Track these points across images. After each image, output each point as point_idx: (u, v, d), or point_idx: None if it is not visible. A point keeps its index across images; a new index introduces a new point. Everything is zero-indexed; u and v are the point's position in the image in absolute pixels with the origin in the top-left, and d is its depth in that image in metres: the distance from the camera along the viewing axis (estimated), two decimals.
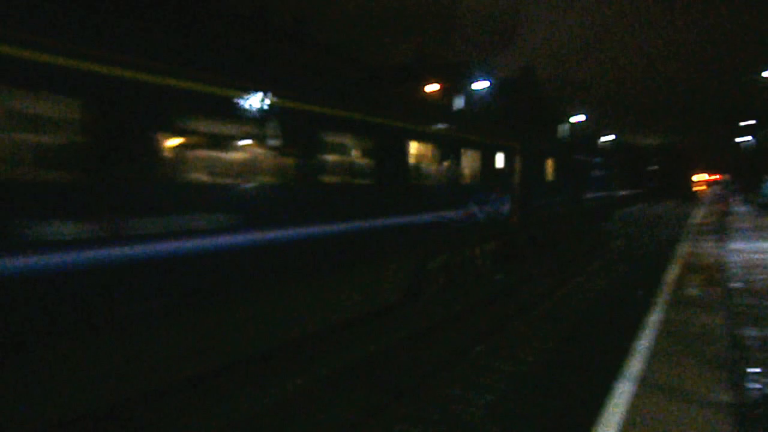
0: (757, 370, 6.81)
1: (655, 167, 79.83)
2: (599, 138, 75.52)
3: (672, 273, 12.95)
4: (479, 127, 14.42)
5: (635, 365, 6.75)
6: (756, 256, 15.93)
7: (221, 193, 6.91)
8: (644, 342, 7.68)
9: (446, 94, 44.07)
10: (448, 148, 12.31)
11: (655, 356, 7.09)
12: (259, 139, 7.59)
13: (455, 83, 43.43)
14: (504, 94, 53.13)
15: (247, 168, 7.46)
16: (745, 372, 6.71)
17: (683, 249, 17.29)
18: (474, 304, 12.20)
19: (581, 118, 64.43)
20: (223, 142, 7.34)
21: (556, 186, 20.10)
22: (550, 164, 19.37)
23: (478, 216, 13.65)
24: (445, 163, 12.26)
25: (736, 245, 18.10)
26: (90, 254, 5.39)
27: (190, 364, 6.72)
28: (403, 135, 10.69)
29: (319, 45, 40.99)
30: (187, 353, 6.68)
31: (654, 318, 8.96)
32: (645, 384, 6.15)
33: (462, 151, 12.87)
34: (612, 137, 77.88)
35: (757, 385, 6.33)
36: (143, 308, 5.92)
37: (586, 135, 69.18)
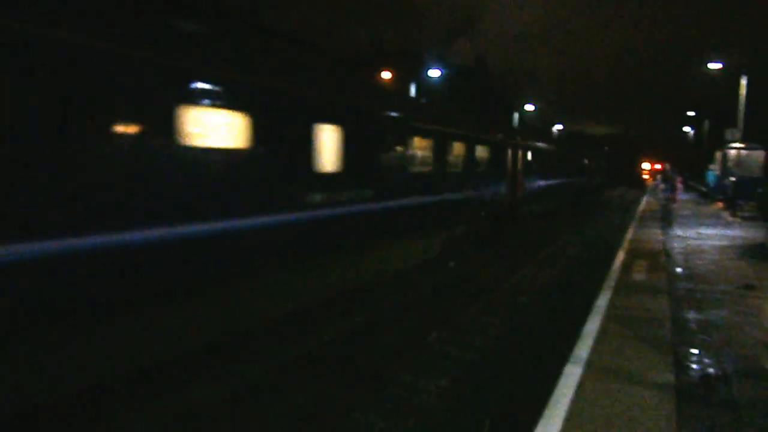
0: (698, 351, 7.08)
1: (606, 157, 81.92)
2: (552, 127, 76.91)
3: (619, 258, 13.32)
4: (491, 128, 18.99)
5: (583, 349, 6.93)
6: (697, 242, 16.53)
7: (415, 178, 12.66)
8: (592, 326, 7.89)
9: (400, 82, 44.04)
10: (475, 145, 16.55)
11: (602, 340, 7.29)
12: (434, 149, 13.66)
13: (409, 71, 43.41)
14: (456, 83, 53.44)
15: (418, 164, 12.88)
16: (686, 353, 6.97)
17: (629, 235, 17.79)
18: (428, 292, 12.30)
19: (530, 107, 65.46)
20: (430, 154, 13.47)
21: (535, 173, 24.48)
22: (528, 156, 23.20)
23: (487, 195, 17.76)
24: (471, 156, 16.27)
25: (679, 232, 18.74)
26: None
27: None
28: (463, 140, 15.64)
29: (274, 32, 40.34)
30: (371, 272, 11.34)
31: (601, 302, 9.21)
32: (592, 367, 6.32)
33: (481, 147, 17.17)
34: (560, 127, 79.43)
35: (698, 366, 6.58)
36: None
37: (541, 125, 70.33)
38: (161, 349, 6.63)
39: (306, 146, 8.80)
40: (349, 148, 9.82)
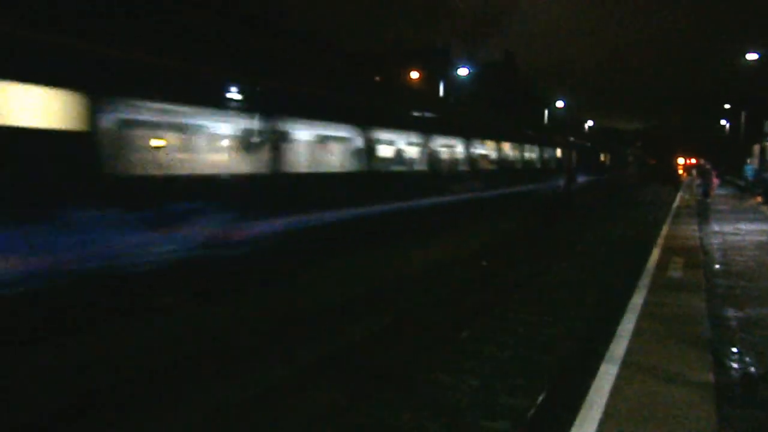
0: (738, 349, 6.90)
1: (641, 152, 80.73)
2: (584, 124, 75.96)
3: (654, 255, 13.07)
4: (555, 133, 23.92)
5: (619, 347, 6.80)
6: (735, 238, 16.14)
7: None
8: (627, 324, 7.75)
9: (427, 80, 43.95)
10: (547, 147, 20.51)
11: (638, 338, 7.16)
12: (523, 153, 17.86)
13: (437, 70, 43.28)
14: (485, 81, 53.11)
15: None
16: (726, 352, 6.80)
17: (665, 231, 17.45)
18: (458, 289, 12.23)
19: (560, 104, 64.75)
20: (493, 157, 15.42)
21: (581, 170, 27.69)
22: (576, 155, 26.08)
23: (552, 187, 21.31)
24: (543, 156, 19.83)
25: (716, 228, 18.32)
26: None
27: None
28: (539, 143, 19.60)
29: (295, 34, 40.60)
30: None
31: (636, 300, 9.04)
32: (628, 366, 6.20)
33: (550, 149, 21.13)
34: (591, 123, 78.36)
35: (738, 365, 6.41)
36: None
37: (574, 122, 69.51)
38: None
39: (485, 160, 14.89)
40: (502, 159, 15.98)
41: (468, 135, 13.30)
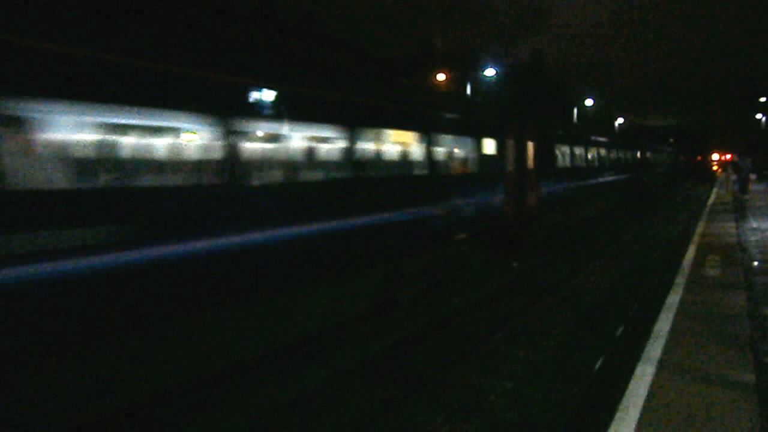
0: None
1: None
2: (615, 121, 74.89)
3: (690, 252, 12.83)
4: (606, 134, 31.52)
5: (655, 348, 6.69)
6: None
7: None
8: (663, 324, 7.62)
9: (455, 82, 43.82)
10: (618, 149, 29.45)
11: (675, 338, 7.03)
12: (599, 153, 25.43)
13: (464, 71, 43.11)
14: (513, 81, 52.75)
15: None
16: (767, 351, 6.63)
17: (700, 228, 17.11)
18: (491, 291, 12.15)
19: (589, 101, 63.98)
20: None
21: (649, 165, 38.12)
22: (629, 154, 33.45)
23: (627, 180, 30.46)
24: (593, 156, 24.45)
25: (754, 224, 17.89)
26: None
27: None
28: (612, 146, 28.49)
29: (327, 39, 40.88)
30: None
31: (673, 299, 8.88)
32: (666, 366, 6.10)
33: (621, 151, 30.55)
34: (621, 120, 77.19)
35: None
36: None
37: (604, 120, 68.67)
38: None
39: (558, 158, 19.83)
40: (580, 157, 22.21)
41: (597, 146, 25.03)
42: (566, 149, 20.37)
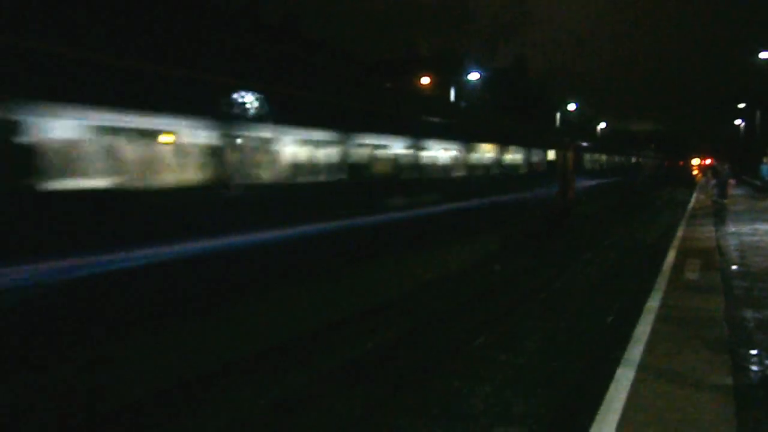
0: (757, 352, 6.80)
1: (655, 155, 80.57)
2: (596, 126, 75.54)
3: (670, 257, 12.94)
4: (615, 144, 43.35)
5: (635, 351, 6.73)
6: (753, 238, 15.95)
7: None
8: (643, 327, 7.67)
9: (438, 86, 43.94)
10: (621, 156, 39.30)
11: (654, 341, 7.08)
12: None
13: (448, 75, 43.26)
14: (496, 85, 53.02)
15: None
16: (745, 354, 6.70)
17: (680, 233, 17.29)
18: (471, 295, 12.16)
19: (572, 106, 64.50)
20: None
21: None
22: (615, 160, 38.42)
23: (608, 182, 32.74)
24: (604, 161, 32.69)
25: (733, 228, 18.11)
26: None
27: None
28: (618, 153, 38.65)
29: (310, 42, 40.81)
30: None
31: (652, 303, 8.94)
32: (645, 369, 6.13)
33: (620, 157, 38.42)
34: (603, 125, 77.90)
35: (758, 367, 6.32)
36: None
37: (586, 126, 69.28)
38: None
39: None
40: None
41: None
42: (587, 156, 28.44)
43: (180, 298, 6.40)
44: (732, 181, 23.52)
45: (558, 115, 61.50)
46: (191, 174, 6.61)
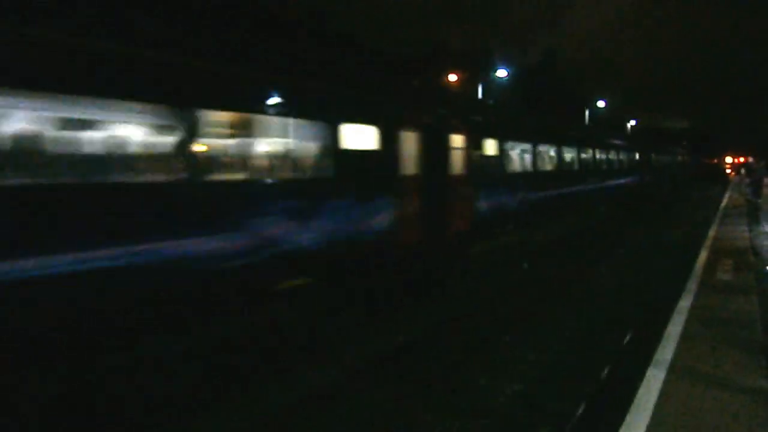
0: None
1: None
2: (626, 123, 74.45)
3: (702, 257, 12.72)
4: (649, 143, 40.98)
5: (666, 352, 6.64)
6: None
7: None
8: (675, 327, 7.56)
9: (466, 82, 43.71)
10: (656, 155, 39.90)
11: (686, 342, 6.97)
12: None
13: (475, 72, 42.99)
14: (525, 82, 52.57)
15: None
16: None
17: (713, 233, 16.98)
18: (500, 291, 12.11)
19: (601, 103, 63.68)
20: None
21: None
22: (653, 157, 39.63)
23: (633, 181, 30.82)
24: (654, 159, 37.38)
25: (767, 228, 17.72)
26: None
27: None
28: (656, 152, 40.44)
29: (337, 37, 40.84)
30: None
31: (684, 303, 8.81)
32: (677, 370, 6.05)
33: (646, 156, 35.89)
34: (633, 122, 76.71)
35: None
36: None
37: (617, 123, 68.41)
38: None
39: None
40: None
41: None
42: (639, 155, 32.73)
43: None
44: (767, 180, 23.02)
45: (587, 112, 60.78)
46: None
